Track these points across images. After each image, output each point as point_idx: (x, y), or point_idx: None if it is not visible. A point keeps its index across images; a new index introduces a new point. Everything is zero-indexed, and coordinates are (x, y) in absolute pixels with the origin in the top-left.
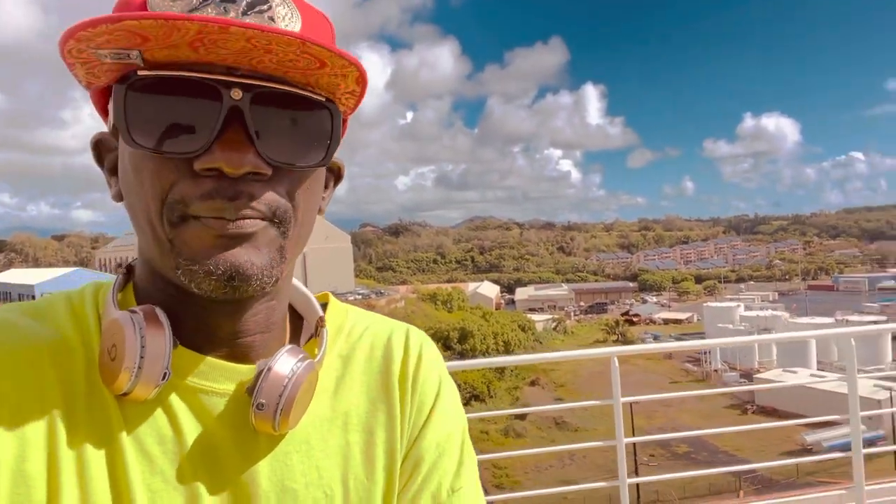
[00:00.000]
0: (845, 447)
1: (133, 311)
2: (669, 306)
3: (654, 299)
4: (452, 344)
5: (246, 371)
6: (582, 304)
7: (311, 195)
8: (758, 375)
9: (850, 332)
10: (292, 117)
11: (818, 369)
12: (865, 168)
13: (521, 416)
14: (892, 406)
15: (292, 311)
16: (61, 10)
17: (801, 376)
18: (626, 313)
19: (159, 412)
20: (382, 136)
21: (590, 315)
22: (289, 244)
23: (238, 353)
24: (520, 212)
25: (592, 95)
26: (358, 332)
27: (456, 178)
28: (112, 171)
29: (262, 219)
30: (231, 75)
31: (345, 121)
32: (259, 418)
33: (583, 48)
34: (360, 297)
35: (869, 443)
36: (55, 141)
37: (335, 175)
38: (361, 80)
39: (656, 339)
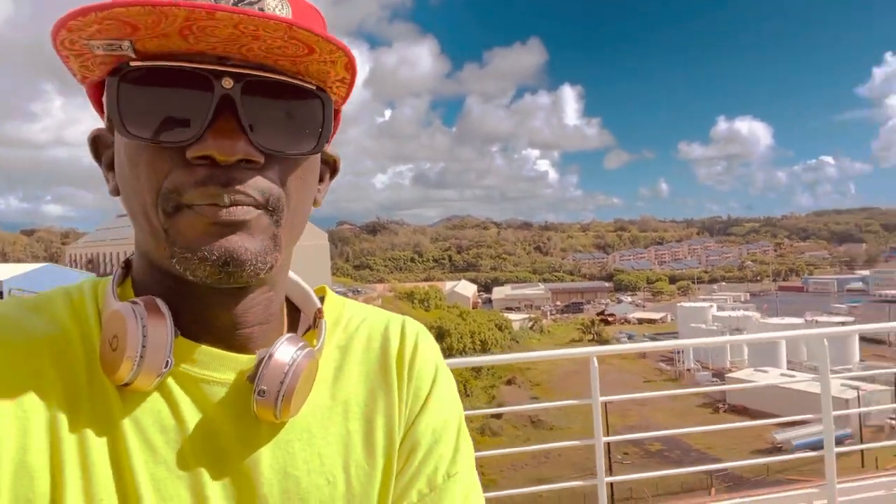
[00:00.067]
0: (814, 445)
1: (134, 302)
2: (644, 306)
3: (629, 299)
4: None
5: (246, 361)
6: (558, 303)
7: (304, 184)
8: (730, 375)
9: (822, 332)
10: (283, 105)
11: (788, 369)
12: (835, 172)
13: (497, 415)
14: (859, 405)
15: (290, 303)
16: None
17: (771, 376)
18: (602, 313)
19: (161, 402)
20: (360, 134)
21: (566, 314)
22: (282, 232)
23: (237, 344)
24: (497, 211)
25: (570, 96)
26: (355, 324)
27: (434, 177)
28: (109, 167)
29: (256, 206)
30: (222, 65)
31: (338, 111)
32: (261, 406)
33: (560, 49)
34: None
35: (838, 441)
36: (25, 134)
37: (331, 168)
38: (350, 67)
39: (631, 338)
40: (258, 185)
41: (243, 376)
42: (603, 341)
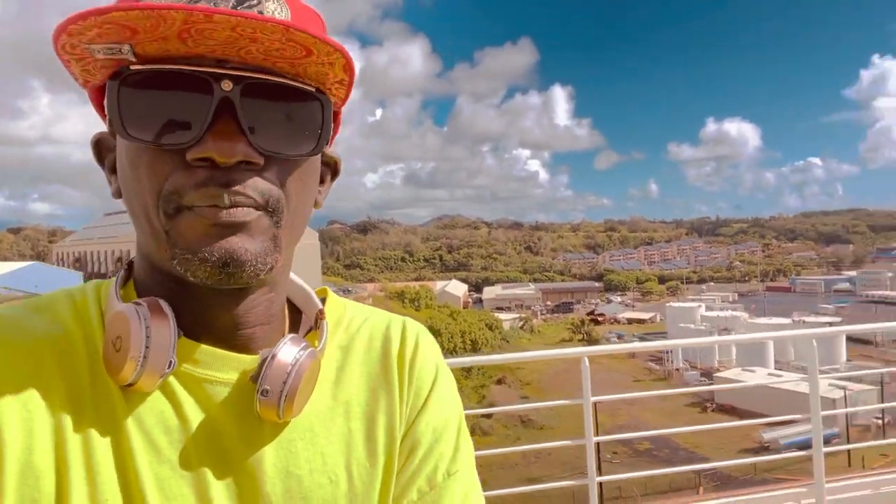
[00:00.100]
0: (802, 444)
1: (137, 303)
2: (633, 306)
3: (619, 299)
4: None
5: (248, 361)
6: (548, 303)
7: (304, 185)
8: (718, 374)
9: (811, 333)
10: (282, 107)
11: (775, 368)
12: (822, 173)
13: (487, 415)
14: (846, 405)
15: (291, 305)
16: None
17: (759, 375)
18: (592, 313)
19: (164, 402)
20: (351, 133)
21: (556, 314)
22: (282, 233)
23: (239, 345)
24: (488, 211)
25: (560, 97)
26: (356, 325)
27: (425, 177)
28: (112, 170)
29: (256, 208)
30: (221, 67)
31: (338, 113)
32: (263, 405)
33: (551, 50)
34: None
35: (825, 441)
36: (11, 131)
37: (332, 170)
38: (348, 68)
39: (620, 338)
40: (258, 186)
41: (246, 376)
42: (593, 341)
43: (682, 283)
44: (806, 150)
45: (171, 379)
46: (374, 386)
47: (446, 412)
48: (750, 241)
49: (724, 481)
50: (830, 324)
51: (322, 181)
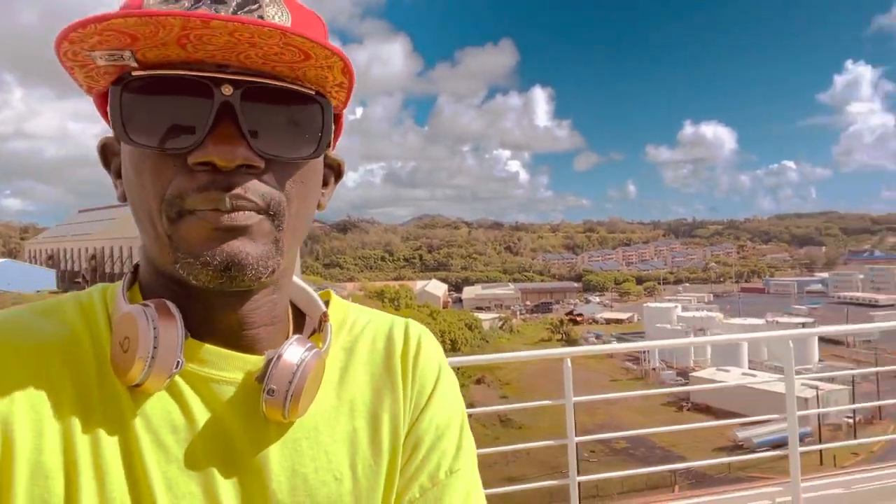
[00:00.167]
0: (775, 443)
1: (145, 305)
2: (612, 306)
3: (598, 299)
4: None
5: (254, 361)
6: (528, 303)
7: (306, 188)
8: (693, 374)
9: (787, 334)
10: (283, 111)
11: (749, 368)
12: (796, 176)
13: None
14: (818, 405)
15: (294, 307)
16: None
17: (733, 375)
18: (571, 313)
19: (171, 402)
20: None
21: (535, 314)
22: (284, 236)
23: (244, 346)
24: (468, 211)
25: (541, 98)
26: (360, 326)
27: (405, 176)
28: (118, 174)
29: (257, 211)
30: (221, 72)
31: (340, 116)
32: (269, 405)
33: (532, 50)
34: None
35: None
36: None
37: (335, 172)
38: (347, 71)
39: (599, 338)
40: (259, 189)
41: (251, 376)
42: (571, 341)
43: (659, 283)
44: (780, 154)
45: (178, 379)
46: (377, 385)
47: (449, 410)
48: (725, 243)
49: (698, 479)
50: (804, 324)
51: (325, 184)
